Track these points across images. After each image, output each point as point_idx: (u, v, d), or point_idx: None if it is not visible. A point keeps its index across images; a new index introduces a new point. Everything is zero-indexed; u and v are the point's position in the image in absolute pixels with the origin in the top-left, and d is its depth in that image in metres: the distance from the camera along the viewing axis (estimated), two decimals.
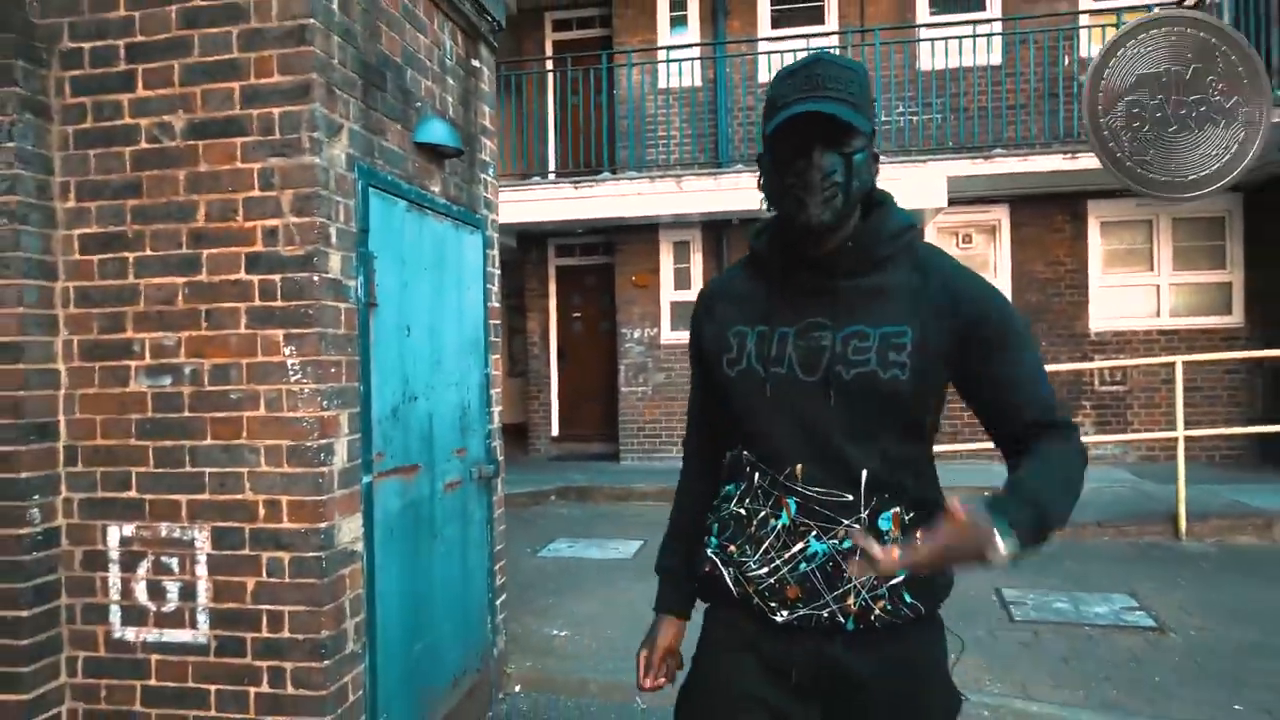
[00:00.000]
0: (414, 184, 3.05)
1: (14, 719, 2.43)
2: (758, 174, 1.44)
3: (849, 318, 1.36)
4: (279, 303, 2.42)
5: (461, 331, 3.46)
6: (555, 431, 10.64)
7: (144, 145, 2.50)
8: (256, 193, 2.43)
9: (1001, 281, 8.76)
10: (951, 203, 7.96)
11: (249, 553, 2.44)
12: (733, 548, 1.44)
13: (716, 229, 9.40)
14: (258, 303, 2.43)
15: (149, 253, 2.50)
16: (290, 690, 2.42)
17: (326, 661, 2.41)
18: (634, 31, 9.84)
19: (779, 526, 1.38)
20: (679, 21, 9.77)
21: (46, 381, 2.51)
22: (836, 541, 1.35)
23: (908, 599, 1.36)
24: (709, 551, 1.49)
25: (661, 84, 9.41)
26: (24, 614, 2.44)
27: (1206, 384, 8.42)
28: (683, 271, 9.71)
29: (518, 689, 3.89)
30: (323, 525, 2.41)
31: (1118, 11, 8.08)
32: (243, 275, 2.44)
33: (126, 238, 2.51)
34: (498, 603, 3.79)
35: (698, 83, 9.45)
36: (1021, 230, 8.83)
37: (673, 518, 1.69)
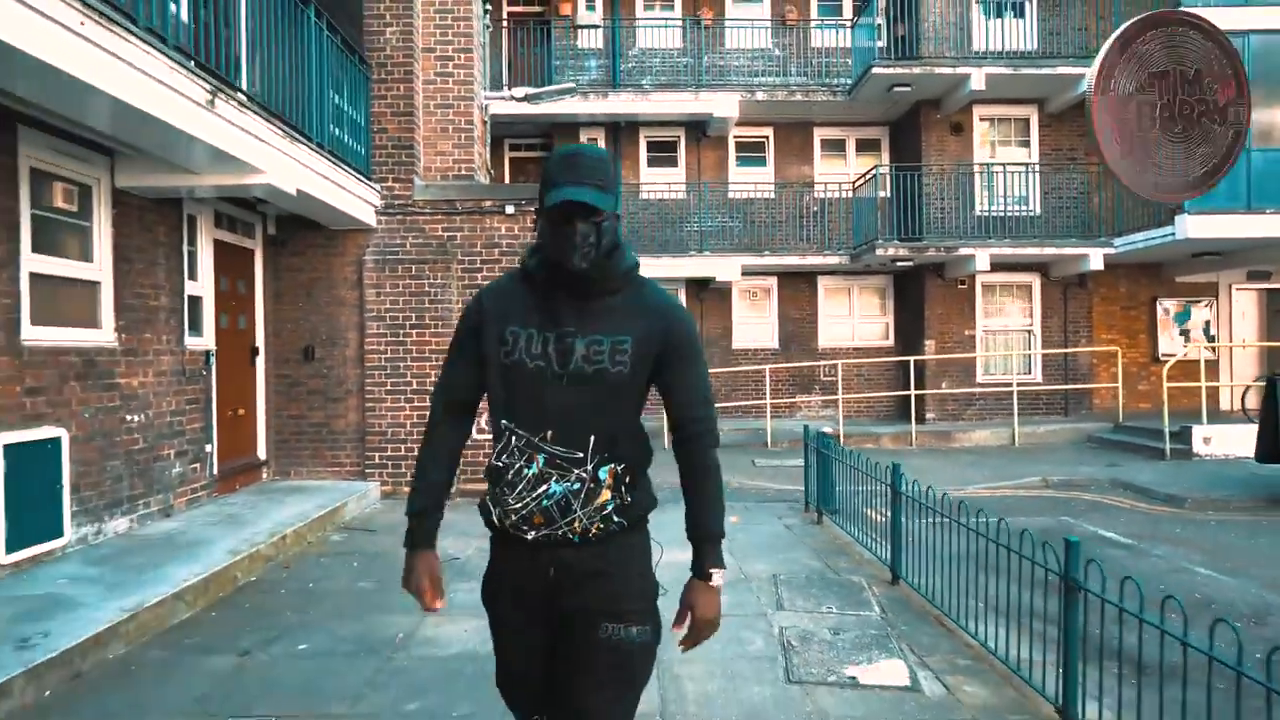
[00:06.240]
0: None
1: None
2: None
3: (590, 328, 1.74)
4: None
5: None
6: None
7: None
8: None
9: (768, 320, 14.68)
10: (744, 274, 13.87)
11: None
12: (497, 489, 1.80)
13: None
14: None
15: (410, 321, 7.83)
16: None
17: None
18: None
19: (529, 474, 1.74)
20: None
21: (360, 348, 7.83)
22: (569, 484, 1.73)
23: (615, 519, 1.78)
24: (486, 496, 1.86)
25: None
26: (351, 432, 7.74)
27: (874, 374, 14.62)
28: None
29: None
30: None
31: (842, 182, 14.21)
32: None
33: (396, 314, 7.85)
34: None
35: None
36: (784, 291, 14.84)
37: (424, 467, 1.92)
